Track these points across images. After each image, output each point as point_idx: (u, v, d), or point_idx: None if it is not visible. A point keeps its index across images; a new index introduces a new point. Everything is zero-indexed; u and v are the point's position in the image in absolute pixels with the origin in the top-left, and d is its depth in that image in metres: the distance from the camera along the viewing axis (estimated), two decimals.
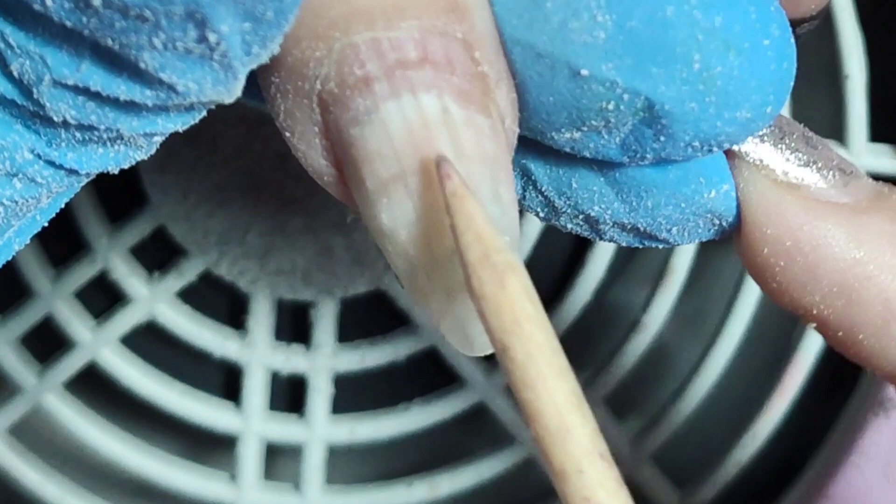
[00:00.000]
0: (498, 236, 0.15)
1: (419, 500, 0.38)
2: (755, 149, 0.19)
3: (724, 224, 0.19)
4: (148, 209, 0.36)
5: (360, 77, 0.16)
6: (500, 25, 0.17)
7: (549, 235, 0.36)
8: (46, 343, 0.37)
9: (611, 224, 0.19)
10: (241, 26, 0.14)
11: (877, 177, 0.35)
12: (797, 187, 0.19)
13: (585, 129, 0.17)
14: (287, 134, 0.17)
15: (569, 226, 0.20)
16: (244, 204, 0.36)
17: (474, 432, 0.39)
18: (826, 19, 0.34)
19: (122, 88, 0.15)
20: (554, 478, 0.15)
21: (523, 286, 0.15)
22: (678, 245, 0.20)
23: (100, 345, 0.36)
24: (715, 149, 0.18)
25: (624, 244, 0.20)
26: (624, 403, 0.37)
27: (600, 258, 0.36)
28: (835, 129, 0.35)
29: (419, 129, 0.16)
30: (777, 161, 0.19)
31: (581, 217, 0.19)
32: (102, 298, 0.37)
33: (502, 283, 0.15)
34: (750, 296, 0.35)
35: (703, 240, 0.20)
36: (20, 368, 0.36)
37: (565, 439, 0.15)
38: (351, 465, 0.39)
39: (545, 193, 0.19)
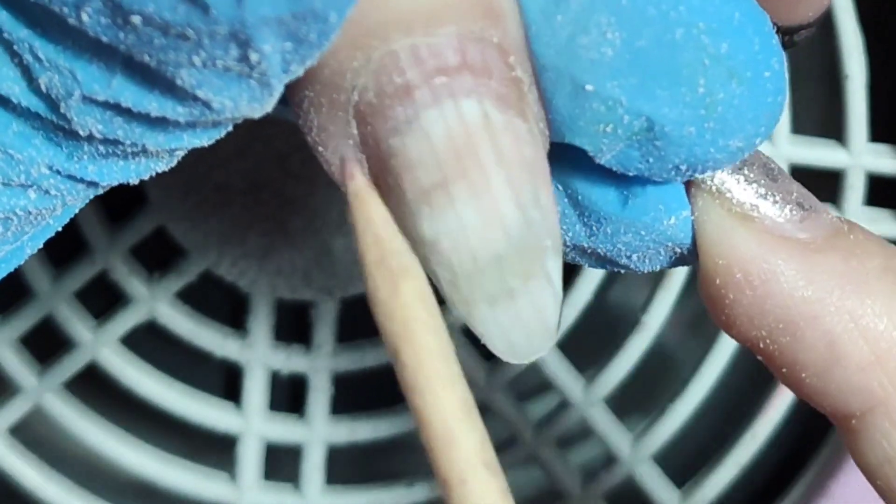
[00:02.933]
0: (397, 239, 0.15)
1: (419, 500, 0.38)
2: (712, 176, 0.19)
3: (683, 251, 0.19)
4: (148, 209, 0.36)
5: (399, 85, 0.16)
6: None
7: None
8: (46, 343, 0.37)
9: (571, 246, 0.19)
10: (282, 45, 0.14)
11: (877, 177, 0.35)
12: (752, 219, 0.19)
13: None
14: (320, 149, 0.17)
15: None
16: (244, 204, 0.36)
17: None
18: (826, 19, 0.34)
19: (153, 105, 0.15)
20: (439, 487, 0.15)
21: (417, 291, 0.15)
22: (640, 271, 0.20)
23: (100, 345, 0.36)
24: (698, 174, 0.17)
25: (587, 266, 0.20)
26: (624, 404, 0.37)
27: None
28: (835, 129, 0.35)
29: (461, 135, 0.16)
30: (734, 190, 0.19)
31: None
32: (102, 298, 0.37)
33: (395, 288, 0.15)
34: None
35: (664, 267, 0.20)
36: (20, 368, 0.36)
37: (450, 448, 0.15)
38: (351, 465, 0.39)
39: None
